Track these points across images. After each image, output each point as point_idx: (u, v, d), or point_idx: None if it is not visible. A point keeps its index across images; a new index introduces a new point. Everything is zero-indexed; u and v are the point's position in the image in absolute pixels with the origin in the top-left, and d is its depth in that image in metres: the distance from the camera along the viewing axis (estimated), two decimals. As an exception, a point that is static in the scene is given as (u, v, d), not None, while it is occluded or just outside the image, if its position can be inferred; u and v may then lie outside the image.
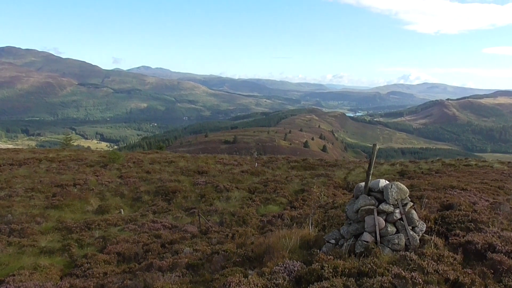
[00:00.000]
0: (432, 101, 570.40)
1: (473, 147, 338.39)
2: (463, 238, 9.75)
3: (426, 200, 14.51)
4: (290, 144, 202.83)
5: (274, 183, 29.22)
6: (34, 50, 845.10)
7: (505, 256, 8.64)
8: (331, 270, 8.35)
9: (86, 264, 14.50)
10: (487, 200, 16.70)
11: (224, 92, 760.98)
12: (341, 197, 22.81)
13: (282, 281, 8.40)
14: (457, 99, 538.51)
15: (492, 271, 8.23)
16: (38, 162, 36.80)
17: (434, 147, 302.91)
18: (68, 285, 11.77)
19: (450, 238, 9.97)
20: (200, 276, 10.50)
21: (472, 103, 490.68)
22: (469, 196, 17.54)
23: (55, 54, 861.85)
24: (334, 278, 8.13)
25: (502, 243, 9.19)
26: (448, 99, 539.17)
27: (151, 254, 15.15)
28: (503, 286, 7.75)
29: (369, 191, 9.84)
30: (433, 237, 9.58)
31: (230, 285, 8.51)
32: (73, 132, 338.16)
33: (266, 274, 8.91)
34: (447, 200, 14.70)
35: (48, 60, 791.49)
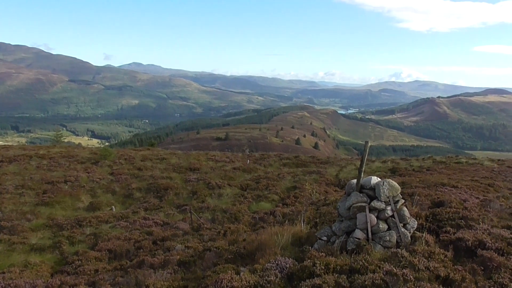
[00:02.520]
0: (423, 98, 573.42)
1: (463, 144, 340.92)
2: (453, 235, 9.82)
3: (417, 198, 14.60)
4: (282, 141, 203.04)
5: (266, 180, 29.25)
6: (24, 46, 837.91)
7: (495, 253, 8.71)
8: (323, 267, 8.38)
9: (77, 261, 14.43)
10: (477, 198, 16.84)
11: (216, 89, 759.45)
12: (333, 194, 22.89)
13: (274, 278, 8.41)
14: (448, 97, 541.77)
15: (482, 268, 8.30)
16: (28, 159, 36.54)
17: (425, 145, 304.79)
18: (59, 282, 11.70)
19: (441, 235, 10.04)
20: (192, 273, 10.49)
21: (462, 101, 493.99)
22: (459, 193, 17.67)
23: (46, 50, 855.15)
24: (326, 275, 8.16)
25: (492, 240, 9.28)
26: (439, 97, 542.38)
27: (143, 251, 15.11)
28: (493, 282, 7.82)
29: (361, 188, 9.87)
30: (424, 234, 9.64)
31: (222, 282, 8.51)
32: (64, 128, 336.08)
33: (258, 271, 8.92)
34: (438, 198, 14.81)
35: (38, 56, 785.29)
